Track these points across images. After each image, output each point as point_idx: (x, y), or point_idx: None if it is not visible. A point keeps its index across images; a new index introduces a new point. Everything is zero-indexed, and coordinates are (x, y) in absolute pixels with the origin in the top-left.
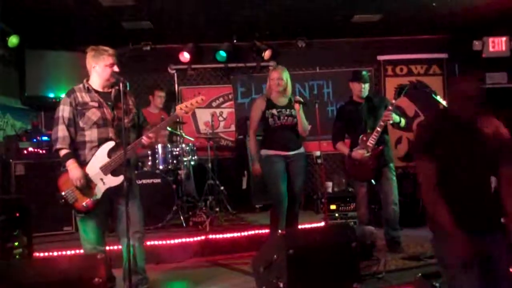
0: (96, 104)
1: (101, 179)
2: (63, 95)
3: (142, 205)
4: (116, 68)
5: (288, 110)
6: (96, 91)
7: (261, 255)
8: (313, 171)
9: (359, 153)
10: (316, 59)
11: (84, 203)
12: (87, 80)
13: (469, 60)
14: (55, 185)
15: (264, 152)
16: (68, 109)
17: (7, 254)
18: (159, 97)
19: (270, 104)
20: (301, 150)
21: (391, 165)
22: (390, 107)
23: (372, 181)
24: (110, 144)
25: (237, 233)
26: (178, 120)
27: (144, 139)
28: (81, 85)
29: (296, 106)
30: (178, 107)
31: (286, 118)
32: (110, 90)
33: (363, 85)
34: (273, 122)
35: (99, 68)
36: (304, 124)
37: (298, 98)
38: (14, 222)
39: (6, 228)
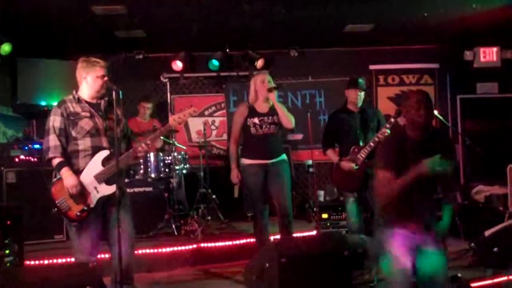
0: (87, 114)
1: (95, 188)
2: (54, 103)
3: (133, 213)
4: (106, 80)
5: (270, 117)
6: (86, 102)
7: (253, 264)
8: (305, 180)
9: (348, 164)
10: (309, 68)
11: (77, 212)
12: (77, 91)
13: (460, 70)
14: (46, 193)
15: (242, 161)
16: (59, 119)
17: None
18: (143, 108)
19: (252, 112)
20: (281, 157)
21: None
22: (387, 125)
23: (355, 193)
24: (105, 153)
25: (228, 241)
26: (171, 130)
27: (139, 150)
28: (71, 96)
29: (271, 95)
30: (171, 118)
31: (268, 126)
32: (99, 101)
33: (359, 93)
34: (255, 131)
35: (90, 79)
36: (286, 115)
37: (269, 85)
38: (5, 230)
39: None
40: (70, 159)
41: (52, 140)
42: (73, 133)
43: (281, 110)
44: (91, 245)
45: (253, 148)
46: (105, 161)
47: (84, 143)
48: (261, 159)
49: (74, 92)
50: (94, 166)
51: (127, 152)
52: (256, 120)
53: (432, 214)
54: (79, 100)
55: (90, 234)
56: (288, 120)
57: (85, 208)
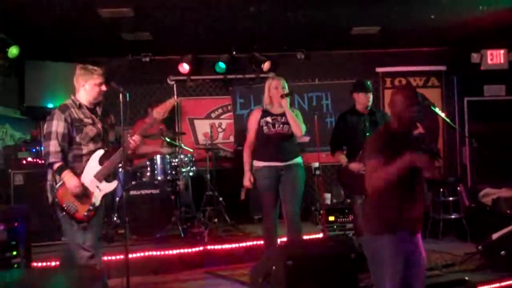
0: (90, 121)
1: (97, 186)
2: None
3: (141, 215)
4: (104, 88)
5: (284, 118)
6: (86, 107)
7: (259, 266)
8: (312, 183)
9: (357, 166)
10: (315, 70)
11: (85, 212)
12: (74, 95)
13: (467, 72)
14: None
15: (255, 163)
16: (63, 124)
17: (6, 264)
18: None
19: (265, 113)
20: (296, 160)
21: None
22: None
23: (363, 195)
24: (100, 152)
25: (235, 244)
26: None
27: (131, 142)
28: (70, 101)
29: (283, 102)
30: (154, 111)
31: (282, 126)
32: (96, 106)
33: (365, 95)
34: (267, 130)
35: (89, 87)
36: (296, 123)
37: (282, 92)
38: (12, 232)
39: (5, 238)
40: (73, 163)
41: (53, 146)
42: (77, 139)
43: (292, 117)
44: (96, 244)
45: (266, 149)
46: (102, 159)
47: (88, 148)
48: (274, 161)
49: (73, 97)
50: (92, 166)
51: (120, 148)
52: (269, 119)
53: (419, 213)
54: (80, 106)
55: (95, 233)
56: (298, 128)
57: (91, 207)
